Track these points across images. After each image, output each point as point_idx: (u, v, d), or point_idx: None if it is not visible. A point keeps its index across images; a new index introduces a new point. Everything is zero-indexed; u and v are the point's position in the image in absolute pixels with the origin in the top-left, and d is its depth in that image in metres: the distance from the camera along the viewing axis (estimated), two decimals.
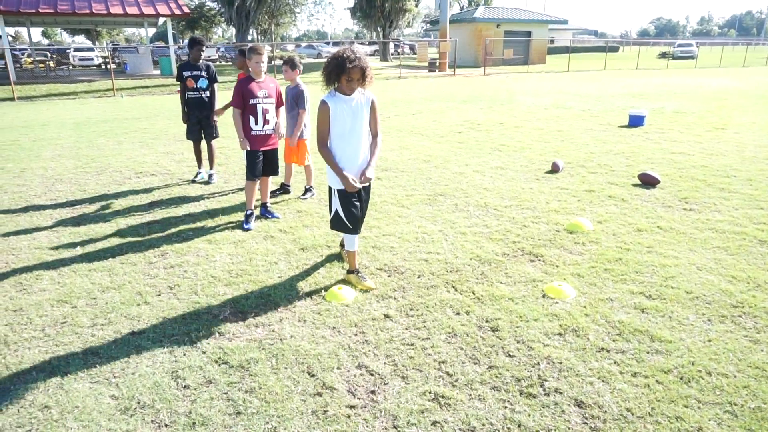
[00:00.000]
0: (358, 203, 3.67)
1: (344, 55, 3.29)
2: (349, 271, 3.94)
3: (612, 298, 3.63)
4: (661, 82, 22.99)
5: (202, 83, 6.46)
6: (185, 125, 6.71)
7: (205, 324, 3.37)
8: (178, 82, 6.55)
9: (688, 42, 50.73)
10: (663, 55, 46.49)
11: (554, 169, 7.17)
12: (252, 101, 4.94)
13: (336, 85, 3.44)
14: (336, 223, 3.73)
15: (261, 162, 5.14)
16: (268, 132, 5.10)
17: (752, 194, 5.94)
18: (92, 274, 4.11)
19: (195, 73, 6.43)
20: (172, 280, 4.00)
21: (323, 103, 3.45)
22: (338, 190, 3.63)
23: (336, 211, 3.67)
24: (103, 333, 3.29)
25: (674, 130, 10.24)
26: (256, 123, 5.02)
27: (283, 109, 5.31)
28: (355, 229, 3.71)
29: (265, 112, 5.01)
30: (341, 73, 3.31)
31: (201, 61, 6.50)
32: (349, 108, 3.47)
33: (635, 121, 10.86)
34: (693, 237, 4.72)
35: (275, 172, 5.35)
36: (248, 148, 5.02)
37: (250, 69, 5.01)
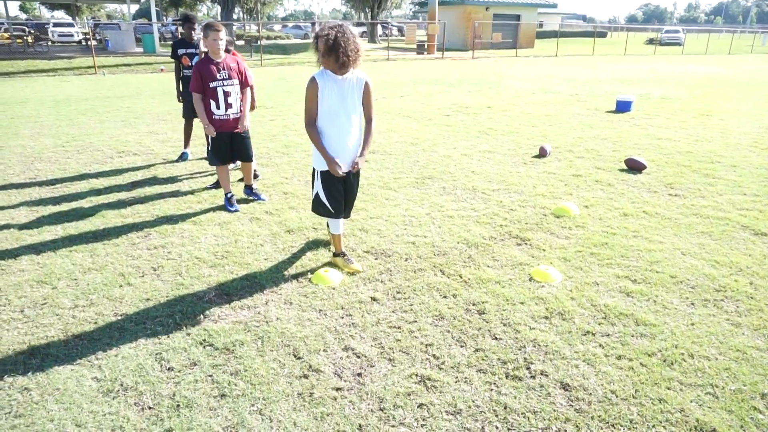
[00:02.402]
0: (342, 188, 3.61)
1: (334, 35, 3.17)
2: (335, 254, 3.91)
3: (598, 281, 3.66)
4: (649, 68, 23.07)
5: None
6: (181, 104, 6.58)
7: (190, 306, 3.33)
8: (173, 60, 6.39)
9: (675, 29, 50.91)
10: (650, 42, 46.65)
11: (542, 153, 7.17)
12: (212, 84, 4.66)
13: (327, 64, 3.30)
14: (317, 206, 3.67)
15: (226, 147, 4.89)
16: (232, 116, 4.82)
17: (736, 180, 6.00)
18: (73, 255, 4.03)
19: (190, 50, 6.27)
20: (156, 262, 3.94)
21: (312, 80, 3.35)
22: (321, 172, 3.56)
23: (317, 193, 3.61)
24: (85, 315, 3.23)
25: (660, 116, 10.30)
26: (218, 107, 4.74)
27: (248, 91, 5.00)
28: (336, 213, 3.64)
29: (226, 95, 4.73)
30: (332, 51, 3.19)
31: (194, 38, 6.31)
32: (338, 87, 3.37)
33: (622, 107, 10.89)
34: (678, 222, 4.76)
35: (247, 158, 5.10)
36: (214, 134, 4.79)
37: (207, 48, 4.69)
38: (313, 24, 36.32)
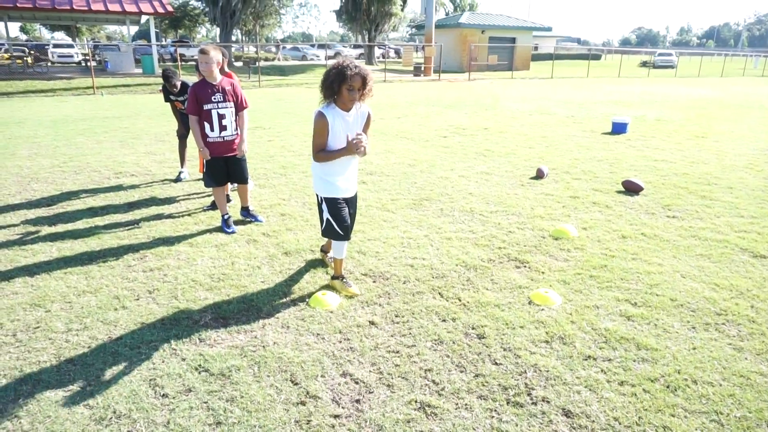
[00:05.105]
0: (346, 208, 3.64)
1: (344, 64, 3.24)
2: (333, 277, 3.88)
3: (598, 305, 3.63)
4: (643, 90, 23.34)
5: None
6: (176, 134, 6.98)
7: (185, 330, 3.28)
8: (167, 102, 6.76)
9: (668, 51, 51.66)
10: (644, 64, 47.28)
11: (539, 174, 7.19)
12: (206, 107, 4.66)
13: (335, 98, 3.34)
14: (328, 231, 3.67)
15: (221, 169, 4.90)
16: (226, 138, 4.82)
17: (733, 202, 6.02)
18: (68, 277, 3.98)
19: (181, 98, 6.55)
20: (152, 284, 3.89)
21: (321, 115, 3.35)
22: (325, 198, 3.59)
23: (328, 219, 3.61)
24: (78, 339, 3.17)
25: (656, 138, 10.38)
26: (212, 129, 4.73)
27: (245, 113, 4.96)
28: (345, 235, 3.65)
29: (221, 117, 4.73)
30: (342, 82, 3.23)
31: (177, 85, 6.49)
32: (345, 123, 3.42)
33: (618, 129, 10.98)
34: (676, 244, 4.75)
35: (243, 180, 5.10)
36: (209, 157, 4.79)
37: (202, 72, 4.71)
38: (278, 46, 37.05)
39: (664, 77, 35.20)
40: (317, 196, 3.66)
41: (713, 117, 13.84)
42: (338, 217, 3.58)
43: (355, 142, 3.35)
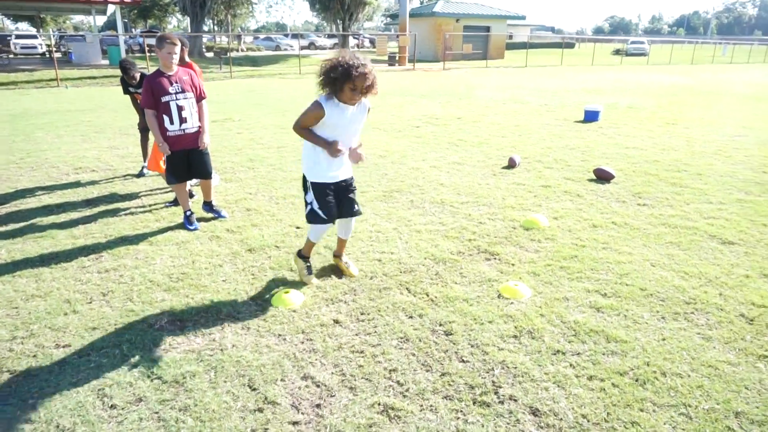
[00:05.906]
0: (332, 195, 3.49)
1: (351, 63, 3.07)
2: (300, 254, 3.77)
3: (568, 297, 3.56)
4: (615, 78, 23.54)
5: None
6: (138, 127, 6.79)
7: (139, 334, 3.11)
8: (126, 95, 6.65)
9: (640, 39, 52.34)
10: (617, 52, 47.80)
11: (511, 164, 7.13)
12: (164, 99, 4.41)
13: (337, 93, 3.20)
14: (311, 216, 3.53)
15: (183, 164, 4.67)
16: (187, 131, 4.60)
17: (702, 188, 6.04)
18: (16, 281, 3.77)
19: (140, 90, 6.24)
20: (106, 286, 3.70)
21: (318, 105, 3.21)
22: (312, 183, 3.45)
23: (311, 204, 3.48)
24: (23, 347, 2.98)
25: (628, 125, 10.42)
26: (171, 122, 4.49)
27: (204, 104, 4.75)
28: (329, 219, 3.51)
29: (180, 108, 4.50)
30: (346, 81, 3.09)
31: (137, 77, 6.29)
32: (343, 116, 3.28)
33: (590, 117, 11.00)
34: (646, 232, 4.72)
35: (206, 175, 4.88)
36: (169, 152, 4.56)
37: (160, 60, 4.47)
38: (239, 36, 36.31)
39: (636, 65, 35.60)
40: (304, 177, 3.51)
41: (684, 104, 13.99)
42: (322, 201, 3.45)
43: (340, 148, 3.29)
